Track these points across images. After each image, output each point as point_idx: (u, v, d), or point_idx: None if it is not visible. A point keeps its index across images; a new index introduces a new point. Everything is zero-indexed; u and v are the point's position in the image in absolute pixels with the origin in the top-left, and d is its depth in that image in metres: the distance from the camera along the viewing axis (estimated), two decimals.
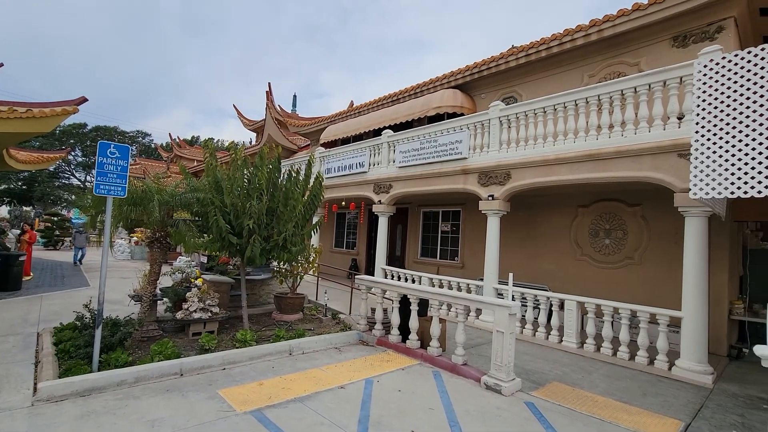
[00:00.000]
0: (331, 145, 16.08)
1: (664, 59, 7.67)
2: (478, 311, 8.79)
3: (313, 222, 7.99)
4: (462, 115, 10.77)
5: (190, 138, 54.14)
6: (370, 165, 11.76)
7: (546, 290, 8.33)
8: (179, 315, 6.40)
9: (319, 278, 10.28)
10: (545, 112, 7.76)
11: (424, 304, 6.67)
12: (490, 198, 8.47)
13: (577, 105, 7.31)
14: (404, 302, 6.58)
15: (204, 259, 9.90)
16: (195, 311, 6.43)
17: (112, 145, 4.89)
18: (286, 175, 7.19)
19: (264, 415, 3.92)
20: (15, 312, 7.35)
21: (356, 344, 6.74)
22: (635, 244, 8.27)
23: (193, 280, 7.73)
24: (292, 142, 20.81)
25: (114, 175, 4.86)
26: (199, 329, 6.39)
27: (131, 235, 18.69)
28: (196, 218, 7.04)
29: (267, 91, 20.10)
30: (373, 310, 6.98)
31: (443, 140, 9.57)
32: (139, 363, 4.86)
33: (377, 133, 12.31)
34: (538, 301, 7.69)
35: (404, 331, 6.48)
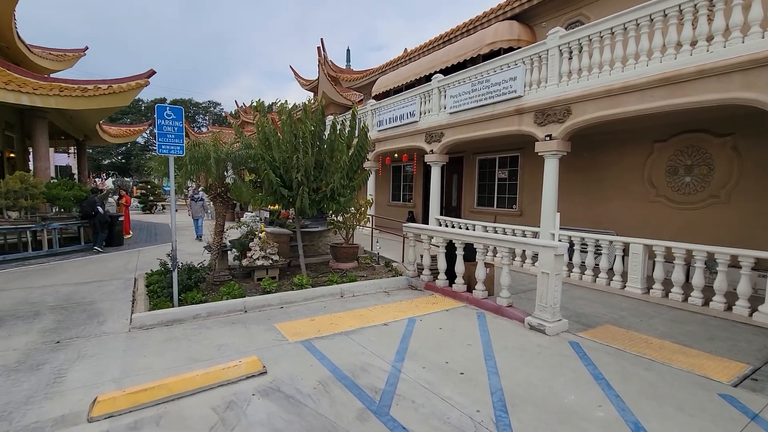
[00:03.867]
0: (383, 96, 15.79)
1: None
2: (535, 258, 8.50)
3: (363, 174, 8.12)
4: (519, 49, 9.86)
5: (253, 103, 56.68)
6: (420, 114, 11.44)
7: (612, 235, 7.75)
8: (245, 262, 7.10)
9: (377, 231, 10.60)
10: (613, 33, 6.80)
11: (471, 250, 6.61)
12: (548, 138, 7.85)
13: (652, 20, 6.28)
14: (450, 248, 6.58)
15: (266, 214, 10.69)
16: (258, 259, 7.07)
17: (169, 107, 5.33)
18: (330, 128, 7.30)
19: (312, 344, 4.33)
20: (118, 262, 8.73)
21: (405, 288, 6.98)
22: (723, 180, 7.22)
23: (257, 233, 8.45)
24: (346, 98, 20.78)
25: (173, 136, 5.34)
26: (262, 275, 7.06)
27: (208, 196, 20.50)
28: (254, 175, 7.54)
29: (319, 47, 19.98)
30: (421, 257, 7.09)
31: (496, 79, 8.91)
32: (211, 301, 5.58)
33: (429, 79, 11.79)
34: (599, 246, 7.20)
35: (451, 275, 6.54)
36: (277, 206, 9.18)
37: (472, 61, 11.60)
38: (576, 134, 7.71)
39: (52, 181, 10.78)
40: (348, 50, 25.68)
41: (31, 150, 14.85)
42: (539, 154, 8.07)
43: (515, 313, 5.26)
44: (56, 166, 25.30)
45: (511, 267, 5.76)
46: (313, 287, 6.51)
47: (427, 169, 13.31)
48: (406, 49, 16.44)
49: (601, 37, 6.95)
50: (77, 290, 6.39)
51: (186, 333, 4.67)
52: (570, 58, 7.54)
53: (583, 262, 7.51)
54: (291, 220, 9.73)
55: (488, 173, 12.37)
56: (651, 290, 6.41)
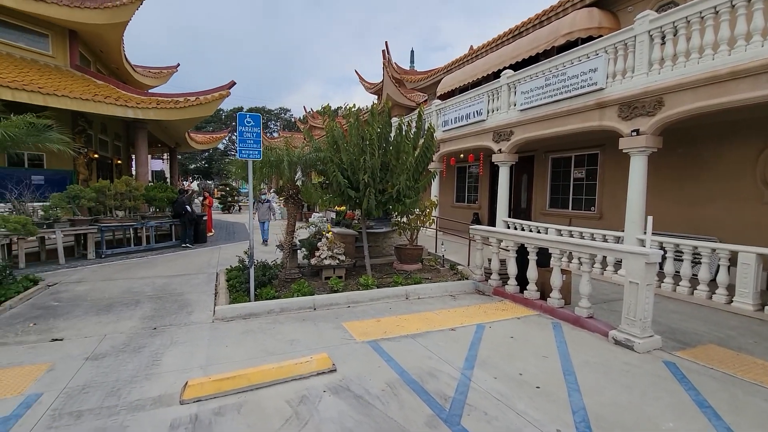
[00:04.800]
0: (448, 96, 15.51)
1: None
2: (617, 265, 7.75)
3: (428, 175, 8.02)
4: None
5: (320, 108, 59.16)
6: (488, 112, 11.04)
7: (714, 242, 6.80)
8: (313, 261, 7.36)
9: (441, 232, 10.42)
10: (717, 12, 5.97)
11: (545, 255, 6.20)
12: (634, 133, 7.12)
13: None
14: (522, 252, 6.23)
15: (333, 215, 11.03)
16: (325, 258, 7.30)
17: (248, 115, 5.70)
18: (396, 130, 7.31)
19: (379, 345, 4.34)
20: (203, 258, 9.58)
21: (472, 293, 6.74)
22: None
23: (324, 233, 8.74)
24: (410, 99, 20.78)
25: (251, 141, 5.69)
26: (329, 274, 7.27)
27: (280, 197, 21.83)
28: (322, 177, 7.80)
29: (383, 50, 20.25)
30: (489, 261, 6.81)
31: (573, 71, 8.29)
32: (283, 297, 5.85)
33: (497, 76, 11.34)
34: (698, 254, 6.35)
35: (522, 281, 6.18)
36: (343, 207, 9.42)
37: (545, 55, 10.93)
38: (668, 128, 6.90)
39: (149, 184, 12.17)
40: (412, 51, 25.66)
41: (133, 157, 16.95)
42: (624, 151, 7.35)
43: (597, 325, 4.81)
44: (152, 171, 28.61)
45: (590, 274, 5.29)
46: (378, 288, 6.55)
47: (493, 170, 12.81)
48: (471, 46, 15.99)
49: (702, 17, 6.14)
50: (169, 282, 7.10)
51: (261, 327, 4.95)
52: (663, 44, 6.77)
53: (677, 272, 6.68)
54: (356, 221, 9.93)
55: (562, 173, 11.57)
56: (767, 307, 5.50)
